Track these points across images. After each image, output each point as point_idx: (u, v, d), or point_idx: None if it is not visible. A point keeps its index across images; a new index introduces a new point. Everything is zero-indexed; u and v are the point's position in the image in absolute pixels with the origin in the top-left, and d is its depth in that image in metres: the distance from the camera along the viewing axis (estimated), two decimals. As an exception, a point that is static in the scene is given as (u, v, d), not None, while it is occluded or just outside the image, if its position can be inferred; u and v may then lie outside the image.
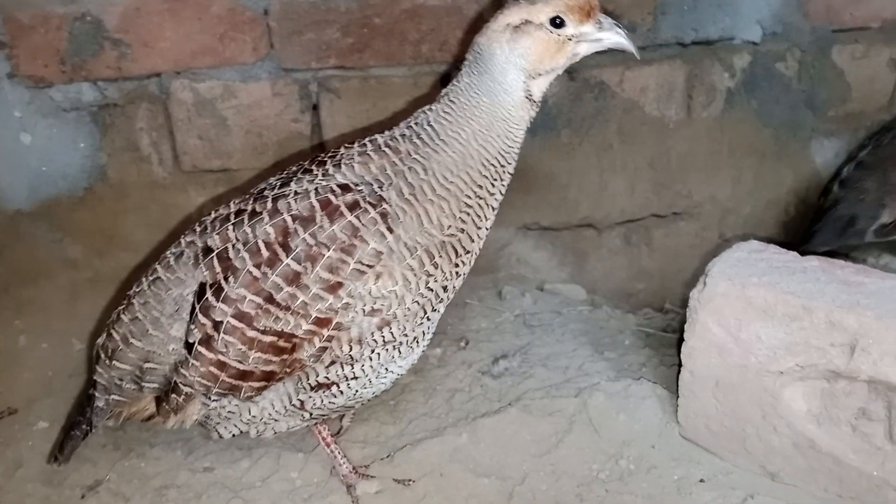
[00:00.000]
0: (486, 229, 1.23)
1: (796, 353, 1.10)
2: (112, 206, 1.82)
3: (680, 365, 1.26)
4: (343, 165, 1.19)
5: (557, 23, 1.16)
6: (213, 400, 1.22)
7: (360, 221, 1.11)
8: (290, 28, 1.80)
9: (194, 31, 1.75)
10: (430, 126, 1.18)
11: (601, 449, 1.28)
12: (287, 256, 1.11)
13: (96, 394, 1.31)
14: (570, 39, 1.16)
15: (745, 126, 2.12)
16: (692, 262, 2.22)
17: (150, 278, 1.26)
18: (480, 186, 1.17)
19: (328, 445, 1.33)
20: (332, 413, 1.28)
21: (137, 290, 1.29)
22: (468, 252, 1.20)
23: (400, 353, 1.21)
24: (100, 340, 1.31)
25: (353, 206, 1.12)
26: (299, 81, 1.85)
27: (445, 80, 1.92)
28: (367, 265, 1.11)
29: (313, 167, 1.21)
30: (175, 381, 1.20)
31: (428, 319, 1.21)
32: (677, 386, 1.32)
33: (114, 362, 1.27)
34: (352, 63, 1.86)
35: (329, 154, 1.24)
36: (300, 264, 1.11)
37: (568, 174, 2.06)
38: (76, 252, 1.82)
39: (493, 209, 1.22)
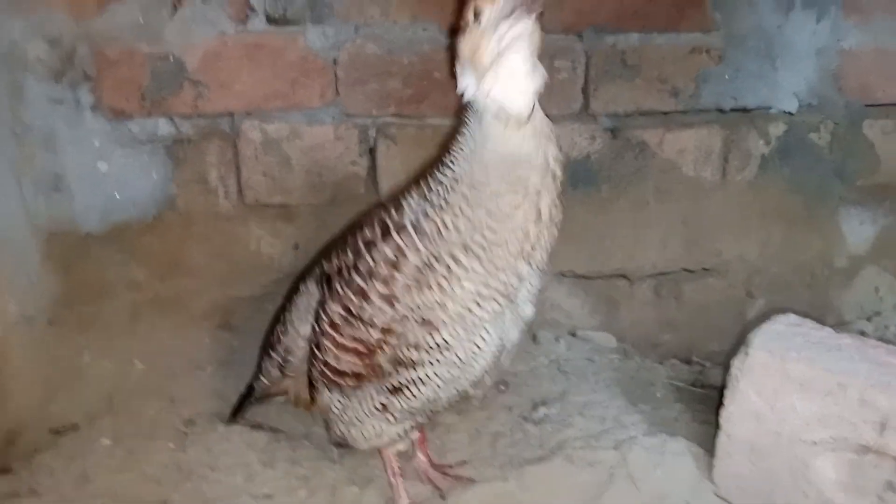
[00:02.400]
0: (522, 222, 1.20)
1: (829, 426, 1.19)
2: (178, 233, 1.92)
3: (717, 426, 1.34)
4: (408, 195, 1.32)
5: (476, 16, 1.14)
6: (330, 392, 1.42)
7: (403, 240, 1.26)
8: (355, 77, 1.91)
9: (268, 77, 1.86)
10: (451, 151, 1.26)
11: (640, 502, 1.36)
12: (356, 274, 1.30)
13: (259, 376, 1.62)
14: (486, 28, 1.13)
15: (776, 191, 2.22)
16: (719, 317, 2.32)
17: (299, 289, 1.54)
18: (486, 187, 1.18)
19: (394, 476, 1.43)
20: (413, 418, 1.39)
21: (294, 297, 1.55)
22: (500, 243, 1.20)
23: (460, 357, 1.29)
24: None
25: (399, 228, 1.27)
26: (359, 126, 1.96)
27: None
28: (413, 278, 1.24)
29: (400, 197, 1.34)
30: (309, 374, 1.45)
31: (482, 319, 1.26)
32: (712, 444, 1.41)
33: (269, 352, 1.58)
34: (410, 112, 1.97)
35: None
36: (364, 281, 1.29)
37: (605, 226, 2.16)
38: (140, 275, 1.92)
39: (516, 207, 1.18)
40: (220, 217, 1.95)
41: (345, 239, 1.41)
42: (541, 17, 1.15)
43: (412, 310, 1.26)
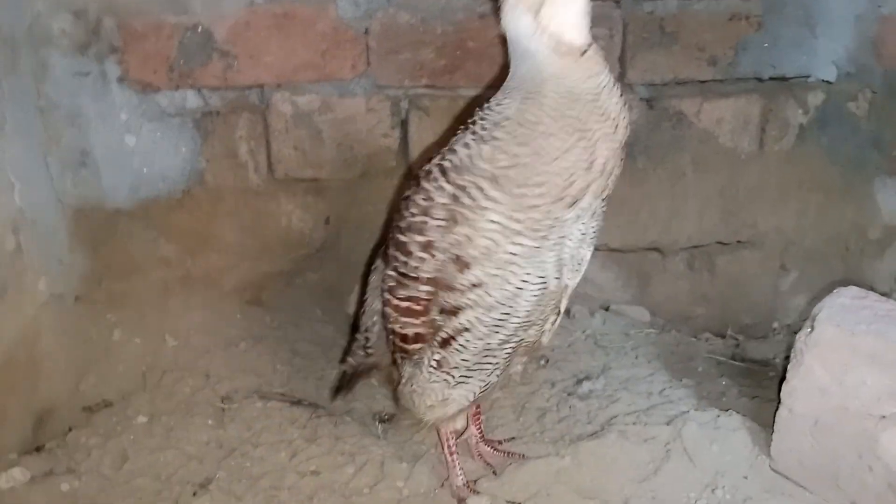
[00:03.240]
0: (568, 168, 1.14)
1: (901, 400, 1.16)
2: (207, 209, 1.88)
3: (778, 401, 1.32)
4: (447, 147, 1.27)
5: None
6: (403, 363, 1.41)
7: (430, 184, 1.23)
8: (387, 47, 1.86)
9: (298, 47, 1.81)
10: (496, 101, 1.21)
11: (696, 478, 1.34)
12: (398, 233, 1.29)
13: (347, 357, 1.64)
14: None
15: (813, 161, 2.18)
16: (752, 290, 2.29)
17: (373, 267, 1.52)
18: (538, 122, 1.12)
19: (451, 454, 1.41)
20: (473, 378, 1.34)
21: (370, 275, 1.54)
22: (536, 185, 1.14)
23: (495, 297, 1.22)
24: None
25: (427, 174, 1.25)
26: (391, 98, 1.91)
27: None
28: (442, 218, 1.21)
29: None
30: (392, 352, 1.43)
31: (512, 254, 1.19)
32: (764, 419, 1.38)
33: (354, 334, 1.60)
34: (442, 83, 1.92)
35: None
36: (404, 235, 1.27)
37: (640, 199, 2.12)
38: (170, 251, 1.88)
39: (565, 150, 1.13)
40: (249, 192, 1.91)
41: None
42: None
43: (446, 250, 1.22)
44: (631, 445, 1.40)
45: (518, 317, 1.26)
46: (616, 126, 1.16)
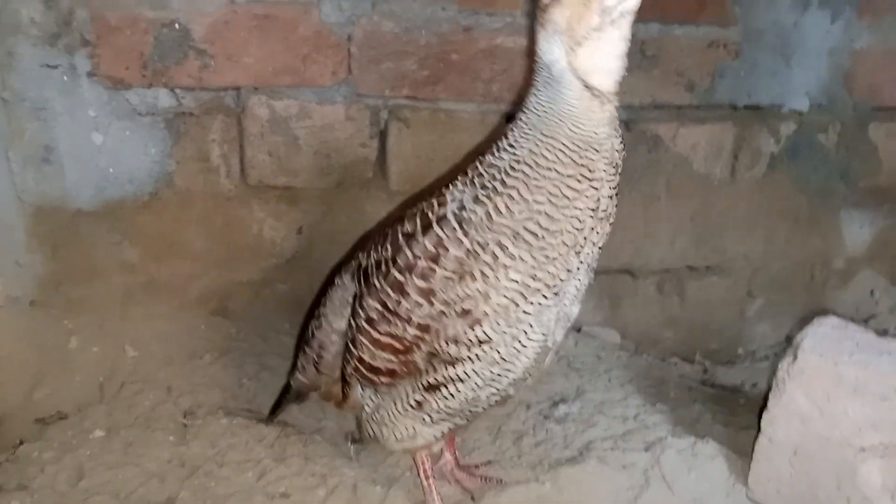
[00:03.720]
0: (580, 211, 1.14)
1: (881, 431, 1.17)
2: (175, 213, 1.81)
3: (757, 429, 1.31)
4: (450, 186, 1.26)
5: None
6: (363, 389, 1.38)
7: (444, 232, 1.20)
8: (369, 56, 1.82)
9: (279, 50, 1.76)
10: (506, 135, 1.20)
11: (676, 505, 1.33)
12: (394, 268, 1.25)
13: (295, 373, 1.56)
14: None
15: (782, 190, 2.21)
16: (719, 316, 2.32)
17: (334, 282, 1.47)
18: (550, 168, 1.12)
19: (427, 479, 1.37)
20: (450, 420, 1.32)
21: (329, 290, 1.48)
22: (555, 232, 1.14)
23: (501, 354, 1.23)
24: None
25: (441, 219, 1.21)
26: (371, 107, 1.87)
27: (509, 119, 1.97)
28: (452, 271, 1.18)
29: (443, 188, 1.27)
30: (342, 370, 1.40)
31: (526, 314, 1.20)
32: (745, 448, 1.38)
33: (304, 347, 1.53)
34: (424, 95, 1.89)
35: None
36: (402, 275, 1.23)
37: (615, 221, 2.12)
38: (133, 256, 1.80)
39: (578, 193, 1.13)
40: (220, 197, 1.84)
41: (383, 232, 1.34)
42: None
43: (452, 303, 1.19)
44: (610, 471, 1.38)
45: (516, 373, 1.26)
46: (617, 168, 1.16)
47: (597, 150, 1.12)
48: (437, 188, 1.30)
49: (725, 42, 2.04)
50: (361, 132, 1.88)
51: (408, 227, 1.25)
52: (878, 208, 2.32)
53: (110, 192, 1.76)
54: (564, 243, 1.16)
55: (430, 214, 1.23)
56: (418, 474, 1.39)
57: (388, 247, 1.28)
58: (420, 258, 1.21)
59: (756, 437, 1.32)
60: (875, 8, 2.11)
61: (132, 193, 1.78)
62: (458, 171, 1.28)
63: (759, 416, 1.31)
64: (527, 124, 1.16)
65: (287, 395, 1.63)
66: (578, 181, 1.12)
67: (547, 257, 1.16)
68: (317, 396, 1.57)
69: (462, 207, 1.20)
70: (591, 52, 1.08)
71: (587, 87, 1.10)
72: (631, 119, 2.05)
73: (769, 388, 1.27)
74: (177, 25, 1.69)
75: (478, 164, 1.23)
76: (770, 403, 1.28)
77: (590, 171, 1.12)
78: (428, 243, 1.20)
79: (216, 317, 1.89)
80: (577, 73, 1.10)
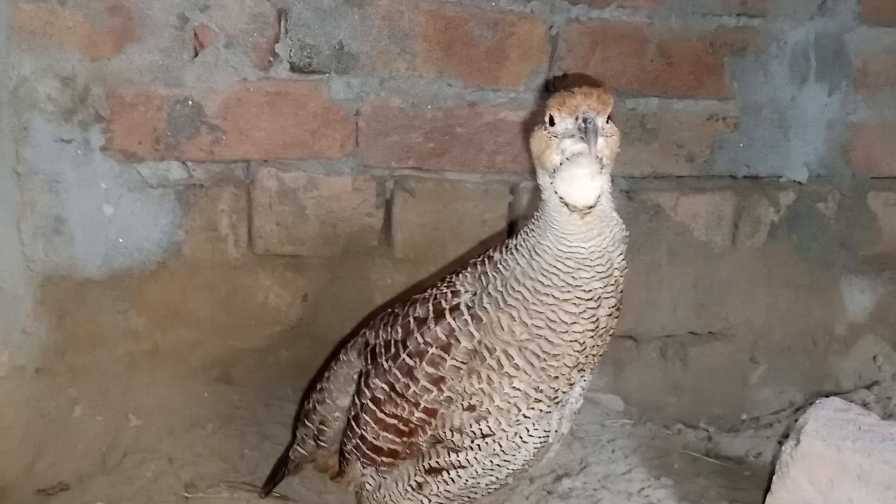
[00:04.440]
0: (579, 334, 1.17)
1: (886, 521, 1.17)
2: (182, 282, 1.83)
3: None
4: (461, 275, 1.30)
5: (550, 121, 1.14)
6: (363, 467, 1.38)
7: (456, 323, 1.23)
8: (376, 129, 1.87)
9: (289, 125, 1.80)
10: (517, 236, 1.24)
11: (682, 589, 1.31)
12: (404, 352, 1.27)
13: (295, 445, 1.58)
14: (555, 137, 1.13)
15: (783, 258, 2.24)
16: (722, 382, 2.32)
17: (339, 358, 1.50)
18: (547, 294, 1.16)
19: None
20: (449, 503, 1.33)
21: (334, 365, 1.50)
22: (556, 356, 1.18)
23: (502, 447, 1.27)
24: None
25: (453, 309, 1.25)
26: (377, 178, 1.91)
27: (512, 191, 2.01)
28: (462, 362, 1.22)
29: (453, 276, 1.31)
30: (342, 446, 1.42)
31: (525, 417, 1.24)
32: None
33: (304, 420, 1.54)
34: (429, 166, 1.93)
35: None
36: (412, 359, 1.26)
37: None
38: (139, 324, 1.82)
39: (576, 316, 1.16)
40: (227, 266, 1.87)
41: (393, 312, 1.36)
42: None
43: (459, 394, 1.23)
44: (616, 553, 1.37)
45: (516, 465, 1.29)
46: (616, 284, 1.19)
47: (589, 267, 1.14)
48: (450, 277, 1.34)
49: (724, 115, 2.09)
50: (368, 202, 1.91)
51: (419, 311, 1.28)
52: (879, 275, 2.34)
53: (118, 261, 1.79)
54: (566, 364, 1.20)
55: (443, 303, 1.26)
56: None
57: (399, 329, 1.30)
58: (432, 346, 1.24)
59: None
60: (870, 82, 2.16)
61: (140, 262, 1.80)
62: (471, 254, 1.31)
63: (764, 496, 1.30)
64: (525, 239, 1.20)
65: (284, 467, 1.63)
66: (575, 304, 1.15)
67: (549, 376, 1.21)
68: (311, 467, 1.58)
69: (473, 303, 1.23)
70: (563, 180, 1.14)
71: (566, 203, 1.14)
72: (632, 189, 2.09)
73: (773, 469, 1.27)
74: (190, 102, 1.74)
75: (486, 259, 1.26)
76: (774, 486, 1.28)
77: (585, 291, 1.15)
78: (440, 332, 1.24)
79: (220, 384, 1.90)
80: (559, 194, 1.15)
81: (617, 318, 1.24)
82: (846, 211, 2.25)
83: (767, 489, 1.30)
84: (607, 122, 1.14)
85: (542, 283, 1.16)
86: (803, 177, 2.18)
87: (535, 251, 1.17)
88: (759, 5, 2.00)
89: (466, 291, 1.25)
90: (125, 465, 1.65)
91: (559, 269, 1.15)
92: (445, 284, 1.29)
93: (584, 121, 1.09)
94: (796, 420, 1.32)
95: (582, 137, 1.09)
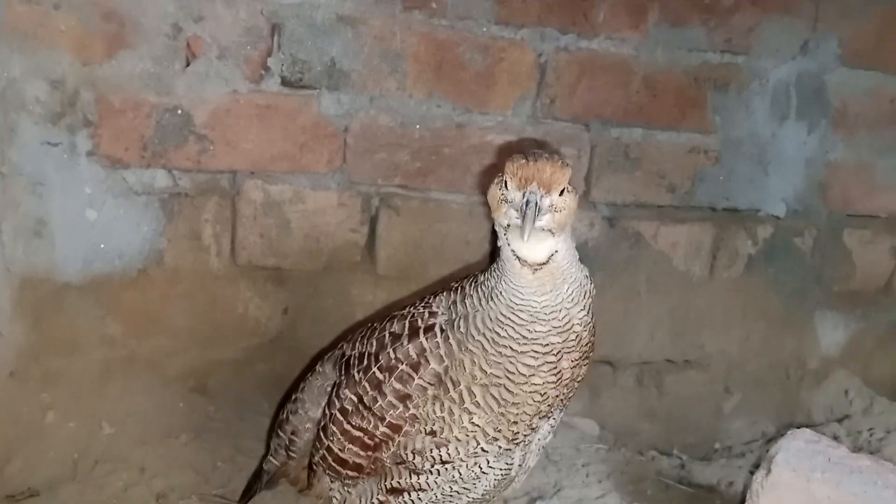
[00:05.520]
0: (539, 385, 1.19)
1: (852, 552, 1.18)
2: (162, 290, 1.82)
3: (732, 541, 1.32)
4: (440, 296, 1.31)
5: (504, 184, 1.17)
6: (331, 482, 1.39)
7: (429, 343, 1.24)
8: (364, 146, 1.88)
9: (277, 138, 1.81)
10: (484, 273, 1.26)
11: None
12: (375, 365, 1.28)
13: (268, 456, 1.58)
14: (504, 201, 1.16)
15: (759, 290, 2.27)
16: (697, 410, 2.34)
17: (315, 370, 1.50)
18: (505, 346, 1.18)
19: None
20: None
21: (309, 376, 1.51)
22: (516, 403, 1.20)
23: (461, 475, 1.27)
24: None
25: (428, 329, 1.25)
26: (363, 195, 1.92)
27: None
28: (429, 383, 1.23)
29: (433, 296, 1.32)
30: (310, 457, 1.42)
31: (484, 451, 1.26)
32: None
33: (277, 431, 1.54)
34: (415, 185, 1.94)
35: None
36: (382, 373, 1.27)
37: (596, 313, 2.16)
38: (116, 331, 1.80)
39: (534, 369, 1.18)
40: (208, 276, 1.86)
41: (371, 326, 1.37)
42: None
43: (423, 418, 1.24)
44: (587, 577, 1.37)
45: (475, 493, 1.30)
46: (579, 338, 1.20)
47: (545, 321, 1.16)
48: (428, 297, 1.35)
49: (706, 149, 2.13)
50: (352, 218, 1.92)
51: (396, 327, 1.29)
52: (852, 311, 2.38)
53: (99, 266, 1.78)
54: (525, 413, 1.22)
55: (419, 321, 1.27)
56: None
57: (374, 342, 1.32)
58: (402, 362, 1.25)
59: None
60: (849, 123, 2.22)
61: (121, 269, 1.79)
62: (453, 275, 1.33)
63: (734, 527, 1.31)
64: (486, 280, 1.22)
65: (259, 480, 1.62)
66: (533, 357, 1.17)
67: (508, 420, 1.22)
68: (286, 482, 1.57)
69: (448, 327, 1.24)
70: (514, 236, 1.16)
71: (517, 257, 1.16)
72: (614, 216, 2.12)
73: (743, 497, 1.28)
74: (179, 111, 1.74)
75: (460, 289, 1.27)
76: (744, 516, 1.30)
77: (542, 345, 1.17)
78: (412, 350, 1.25)
79: (195, 394, 1.89)
80: (511, 247, 1.17)
81: (586, 366, 1.26)
82: (822, 247, 2.30)
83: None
84: (561, 193, 1.16)
85: (499, 335, 1.17)
86: (781, 212, 2.23)
87: (492, 296, 1.19)
88: (743, 43, 2.06)
89: (443, 314, 1.26)
90: (96, 473, 1.63)
91: (513, 320, 1.16)
92: (423, 304, 1.30)
93: (527, 203, 1.11)
94: (768, 450, 1.34)
95: (517, 218, 1.12)
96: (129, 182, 1.76)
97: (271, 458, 1.57)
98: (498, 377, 1.18)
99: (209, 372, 1.92)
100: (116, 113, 1.72)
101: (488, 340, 1.18)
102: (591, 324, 1.24)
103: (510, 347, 1.17)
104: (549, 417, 1.28)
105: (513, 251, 1.16)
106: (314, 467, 1.42)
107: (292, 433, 1.49)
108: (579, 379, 1.27)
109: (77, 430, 1.71)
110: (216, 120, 1.77)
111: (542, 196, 1.11)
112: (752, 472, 1.66)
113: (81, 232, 1.75)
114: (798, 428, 1.42)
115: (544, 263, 1.15)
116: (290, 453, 1.50)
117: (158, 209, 1.79)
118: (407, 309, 1.33)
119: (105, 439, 1.70)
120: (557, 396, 1.23)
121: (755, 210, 2.22)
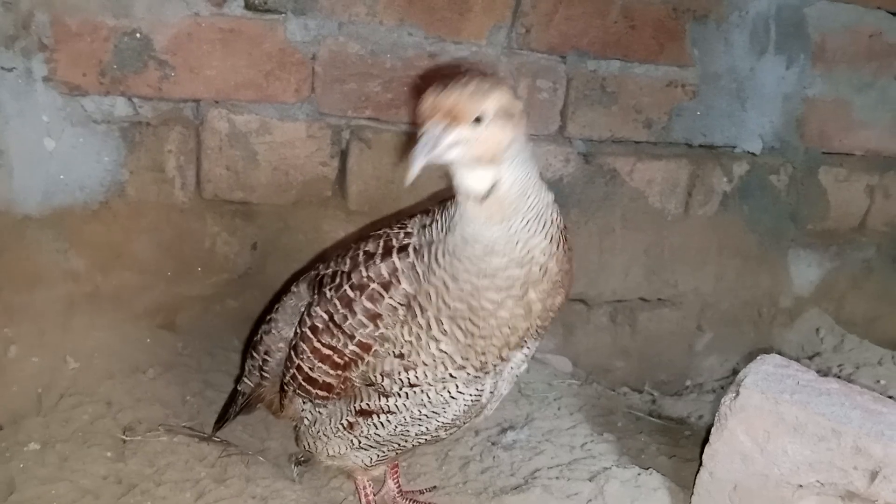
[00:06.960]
0: (507, 319, 1.15)
1: (819, 471, 1.19)
2: (125, 223, 1.77)
3: (699, 463, 1.33)
4: (416, 217, 1.27)
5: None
6: (303, 403, 1.37)
7: (401, 263, 1.20)
8: (333, 76, 1.82)
9: (242, 65, 1.75)
10: (449, 201, 1.20)
11: (618, 537, 1.33)
12: (346, 283, 1.26)
13: (243, 377, 1.56)
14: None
15: (734, 228, 2.27)
16: (669, 348, 2.35)
17: (290, 290, 1.46)
18: (466, 281, 1.14)
19: (368, 502, 1.35)
20: (379, 448, 1.32)
21: (284, 297, 1.47)
22: (483, 337, 1.17)
23: (430, 398, 1.24)
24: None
25: (401, 249, 1.22)
26: (333, 127, 1.87)
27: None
28: (399, 303, 1.19)
29: (410, 218, 1.28)
30: (281, 378, 1.39)
31: (452, 377, 1.22)
32: (688, 480, 1.40)
33: (251, 352, 1.52)
34: (387, 117, 1.89)
35: None
36: (353, 291, 1.24)
37: (572, 248, 2.15)
38: (79, 265, 1.76)
39: (498, 304, 1.14)
40: (173, 209, 1.81)
41: (347, 245, 1.34)
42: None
43: (391, 339, 1.21)
44: (555, 501, 1.38)
45: (445, 419, 1.28)
46: (544, 269, 1.14)
47: (501, 255, 1.10)
48: (405, 219, 1.31)
49: (683, 83, 2.09)
50: (322, 151, 1.87)
51: (370, 246, 1.26)
52: (826, 250, 2.39)
53: (59, 198, 1.72)
54: (493, 345, 1.17)
55: (393, 241, 1.23)
56: (359, 500, 1.37)
57: (348, 260, 1.29)
58: (374, 281, 1.22)
59: (698, 471, 1.33)
60: (828, 57, 2.19)
61: (82, 201, 1.74)
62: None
63: (702, 450, 1.32)
64: (448, 209, 1.17)
65: (234, 402, 1.60)
66: (496, 292, 1.12)
67: (475, 352, 1.18)
68: (262, 407, 1.56)
69: (420, 248, 1.19)
70: (456, 169, 1.10)
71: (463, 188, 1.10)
72: (590, 152, 2.09)
73: (700, 419, 1.28)
74: (138, 34, 1.67)
75: (435, 210, 1.22)
76: (712, 438, 1.30)
77: (504, 279, 1.11)
78: (384, 269, 1.21)
79: (163, 330, 1.85)
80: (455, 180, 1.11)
81: (562, 295, 1.21)
82: (797, 185, 2.29)
83: (705, 441, 1.32)
84: (480, 122, 1.05)
85: (458, 270, 1.12)
86: (757, 148, 2.21)
87: (450, 227, 1.14)
88: (723, -28, 2.01)
89: (418, 234, 1.22)
90: (61, 407, 1.60)
91: (468, 254, 1.11)
92: (399, 225, 1.27)
93: (421, 134, 1.05)
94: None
95: (414, 150, 1.04)
96: (87, 110, 1.70)
97: (245, 380, 1.54)
98: (461, 311, 1.15)
99: (178, 308, 1.89)
100: (73, 36, 1.64)
101: (449, 276, 1.14)
102: (559, 252, 1.17)
103: (471, 282, 1.12)
104: (522, 347, 1.26)
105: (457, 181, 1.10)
106: (285, 388, 1.39)
107: (266, 353, 1.46)
108: (554, 309, 1.22)
109: (41, 365, 1.67)
110: (177, 45, 1.70)
111: (445, 128, 1.04)
112: (722, 403, 1.67)
113: (40, 162, 1.69)
114: (767, 354, 1.42)
115: (488, 194, 1.09)
116: (264, 374, 1.48)
117: (119, 139, 1.73)
118: (384, 230, 1.29)
119: (70, 374, 1.67)
120: (529, 328, 1.19)
121: (731, 146, 2.20)
